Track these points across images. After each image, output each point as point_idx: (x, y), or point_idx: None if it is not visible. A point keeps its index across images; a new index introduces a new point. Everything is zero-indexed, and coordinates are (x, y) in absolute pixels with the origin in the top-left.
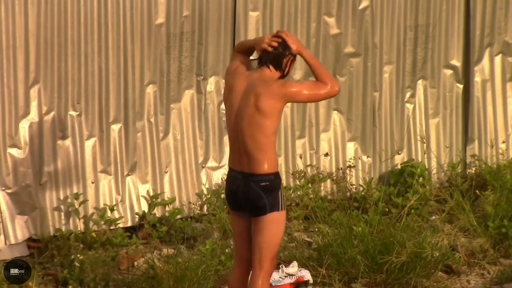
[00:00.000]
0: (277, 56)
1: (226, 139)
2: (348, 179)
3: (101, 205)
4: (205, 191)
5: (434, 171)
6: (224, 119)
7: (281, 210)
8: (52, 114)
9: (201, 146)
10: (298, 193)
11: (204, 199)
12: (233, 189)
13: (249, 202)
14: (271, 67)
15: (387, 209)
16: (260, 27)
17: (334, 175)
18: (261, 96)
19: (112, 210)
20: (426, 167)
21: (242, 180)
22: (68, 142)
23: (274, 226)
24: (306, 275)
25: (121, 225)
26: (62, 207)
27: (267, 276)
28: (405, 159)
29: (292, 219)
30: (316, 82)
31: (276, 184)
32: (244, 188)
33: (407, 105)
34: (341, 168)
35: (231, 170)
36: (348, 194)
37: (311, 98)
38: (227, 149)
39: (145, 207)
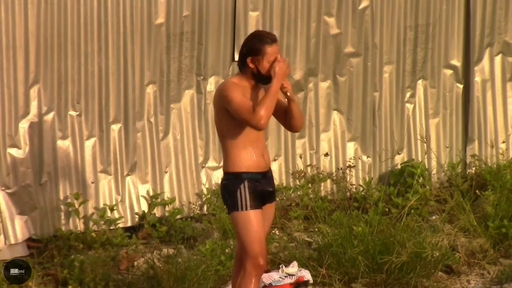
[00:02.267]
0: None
1: None
2: (348, 179)
3: (101, 205)
4: (205, 191)
5: (434, 171)
6: None
7: (241, 210)
8: (52, 114)
9: (201, 146)
10: (298, 193)
11: (204, 199)
12: None
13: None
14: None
15: (387, 209)
16: (260, 27)
17: (334, 175)
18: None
19: (112, 210)
20: (426, 167)
21: None
22: (68, 142)
23: (236, 226)
24: (306, 275)
25: (121, 225)
26: (62, 207)
27: (247, 277)
28: (405, 159)
29: (292, 219)
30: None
31: (234, 185)
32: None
33: (407, 105)
34: (341, 168)
35: None
36: (348, 194)
37: (238, 115)
38: None
39: (145, 207)
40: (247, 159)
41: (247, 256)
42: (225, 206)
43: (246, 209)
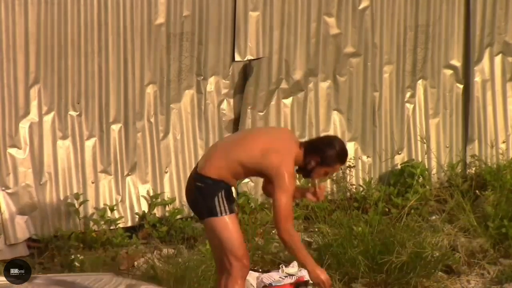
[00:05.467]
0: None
1: None
2: (348, 179)
3: (101, 205)
4: None
5: (434, 171)
6: (224, 119)
7: (220, 215)
8: (52, 114)
9: (201, 146)
10: None
11: None
12: None
13: None
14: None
15: (387, 209)
16: (260, 27)
17: (334, 175)
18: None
19: (112, 210)
20: (426, 167)
21: None
22: (68, 142)
23: (215, 231)
24: (306, 275)
25: (121, 225)
26: (62, 207)
27: (232, 279)
28: (405, 159)
29: None
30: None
31: (212, 191)
32: None
33: (407, 105)
34: (341, 168)
35: None
36: (348, 194)
37: (278, 200)
38: None
39: (145, 207)
40: (231, 181)
41: (233, 259)
42: (192, 209)
43: (226, 213)
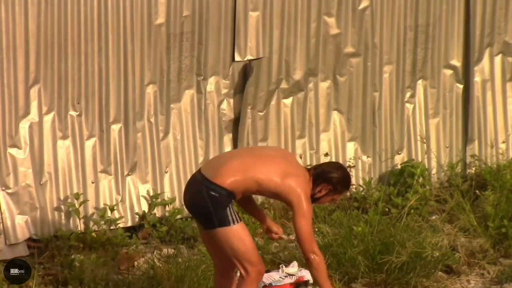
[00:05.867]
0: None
1: (226, 139)
2: None
3: (101, 205)
4: None
5: (434, 171)
6: (224, 119)
7: (233, 224)
8: (52, 114)
9: (201, 146)
10: None
11: None
12: None
13: None
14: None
15: (387, 209)
16: (260, 27)
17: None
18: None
19: (112, 210)
20: (426, 167)
21: None
22: (68, 142)
23: (228, 240)
24: (306, 275)
25: (121, 225)
26: (62, 207)
27: (250, 284)
28: (405, 159)
29: None
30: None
31: (224, 201)
32: None
33: (407, 105)
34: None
35: None
36: (348, 194)
37: (300, 226)
38: (227, 149)
39: (145, 207)
40: (238, 195)
41: (250, 265)
42: (197, 215)
43: (238, 222)
